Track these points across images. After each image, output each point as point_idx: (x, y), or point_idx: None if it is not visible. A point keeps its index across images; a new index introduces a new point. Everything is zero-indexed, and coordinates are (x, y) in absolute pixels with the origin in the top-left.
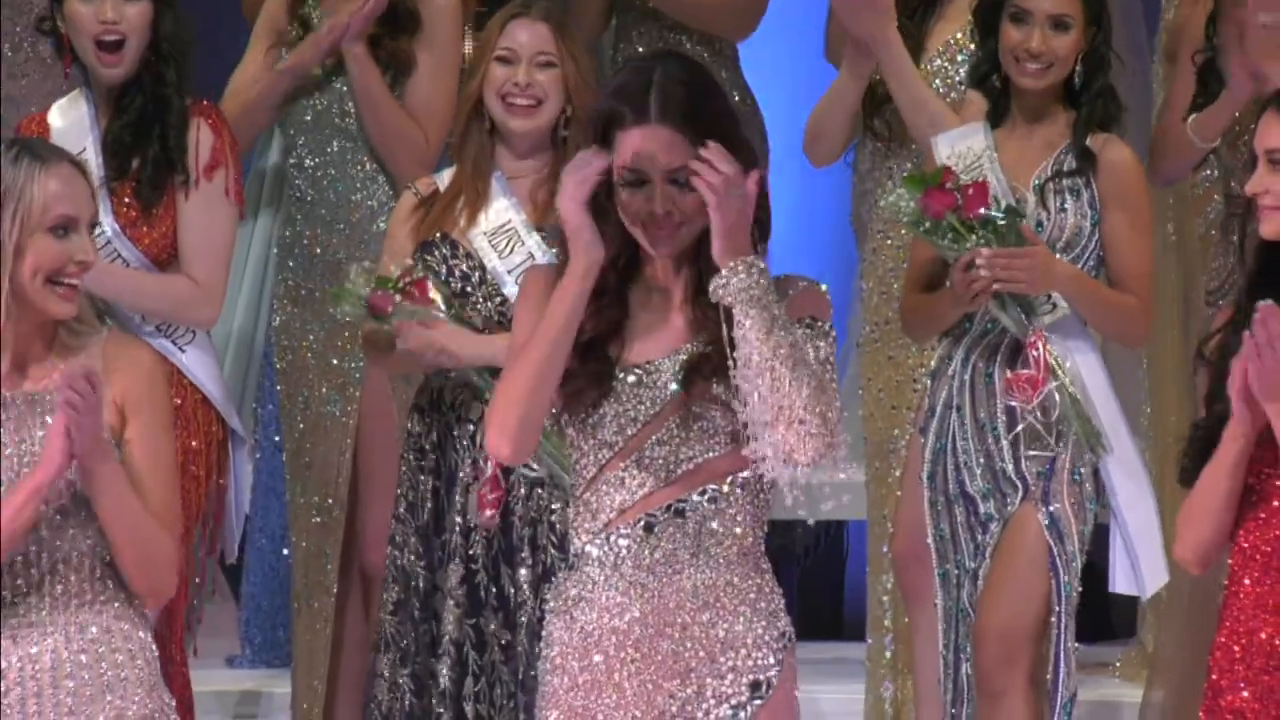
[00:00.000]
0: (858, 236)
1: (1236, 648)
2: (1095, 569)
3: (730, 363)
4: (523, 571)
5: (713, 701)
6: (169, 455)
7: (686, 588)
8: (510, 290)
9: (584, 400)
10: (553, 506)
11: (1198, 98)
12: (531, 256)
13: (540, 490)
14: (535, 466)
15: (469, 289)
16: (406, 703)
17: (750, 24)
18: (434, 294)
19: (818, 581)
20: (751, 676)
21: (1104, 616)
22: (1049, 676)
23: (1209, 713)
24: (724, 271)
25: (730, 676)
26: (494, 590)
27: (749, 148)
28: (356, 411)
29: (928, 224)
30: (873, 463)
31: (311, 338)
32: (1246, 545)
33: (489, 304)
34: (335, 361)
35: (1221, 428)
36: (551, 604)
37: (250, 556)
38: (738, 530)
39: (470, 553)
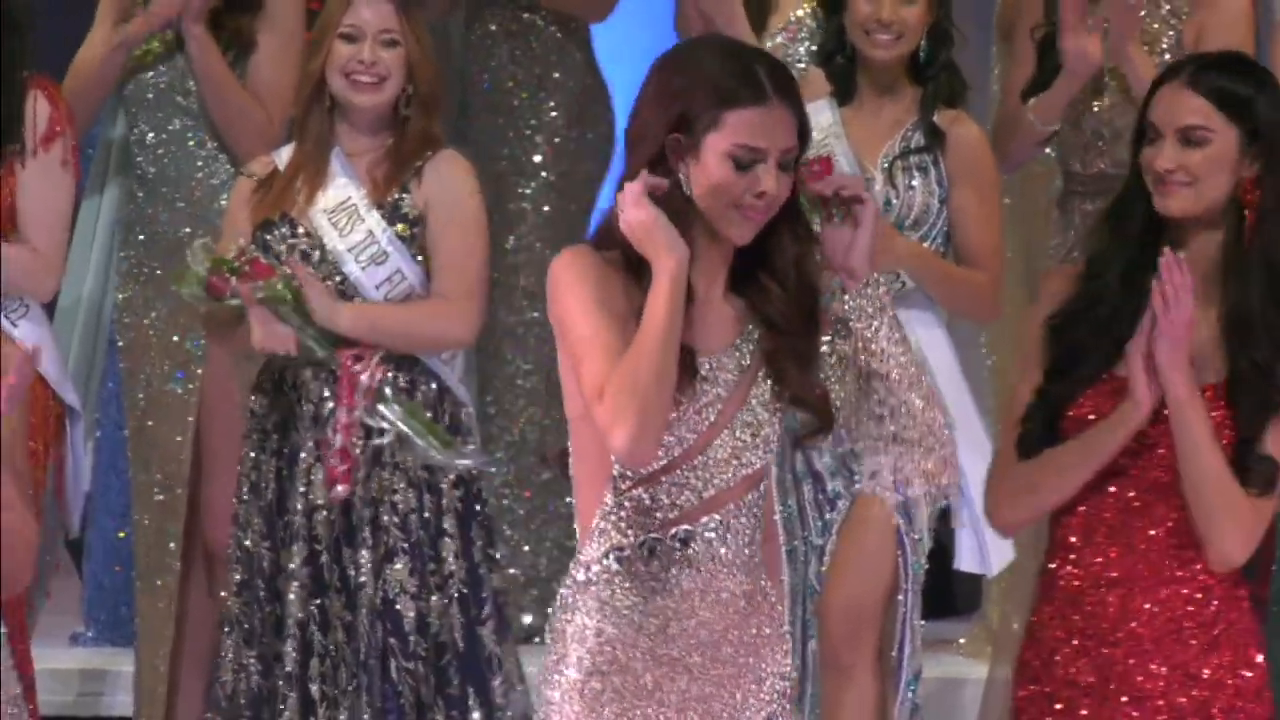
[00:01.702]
0: None
1: (1077, 616)
2: (941, 546)
3: (841, 375)
4: (364, 553)
5: (754, 707)
6: (21, 435)
7: (736, 592)
8: (350, 268)
9: (676, 394)
10: (395, 487)
11: (1036, 75)
12: (371, 234)
13: (383, 471)
14: (386, 428)
15: (309, 267)
16: (252, 683)
17: (608, 6)
18: (277, 278)
19: None
20: (782, 683)
21: (948, 593)
22: (894, 653)
23: (1036, 680)
24: (865, 282)
25: (769, 681)
26: (336, 571)
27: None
28: (198, 390)
29: None
30: None
31: (154, 315)
32: (1085, 510)
33: (329, 283)
34: (177, 339)
35: (1065, 399)
36: (582, 600)
37: (92, 535)
38: (759, 536)
39: (313, 533)
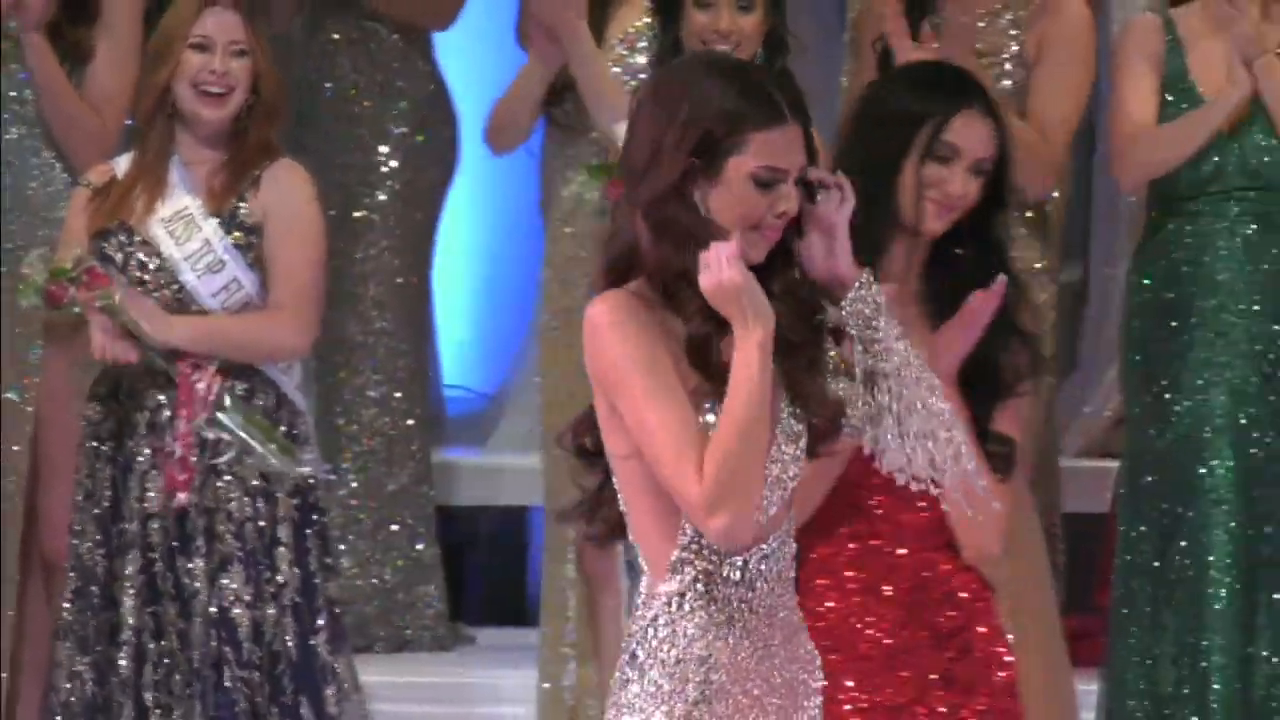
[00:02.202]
0: (545, 224)
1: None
2: None
3: (851, 380)
4: (199, 561)
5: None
6: None
7: (790, 608)
8: (186, 277)
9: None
10: (231, 495)
11: None
12: (208, 243)
13: (219, 480)
14: (227, 437)
15: (146, 277)
16: (87, 691)
17: (451, 15)
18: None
19: (501, 568)
20: (820, 698)
21: None
22: None
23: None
24: (858, 285)
25: (814, 698)
26: (171, 579)
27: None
28: (36, 398)
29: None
30: (552, 450)
31: None
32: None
33: (166, 291)
34: (14, 348)
35: None
36: (669, 630)
37: None
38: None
39: (148, 541)
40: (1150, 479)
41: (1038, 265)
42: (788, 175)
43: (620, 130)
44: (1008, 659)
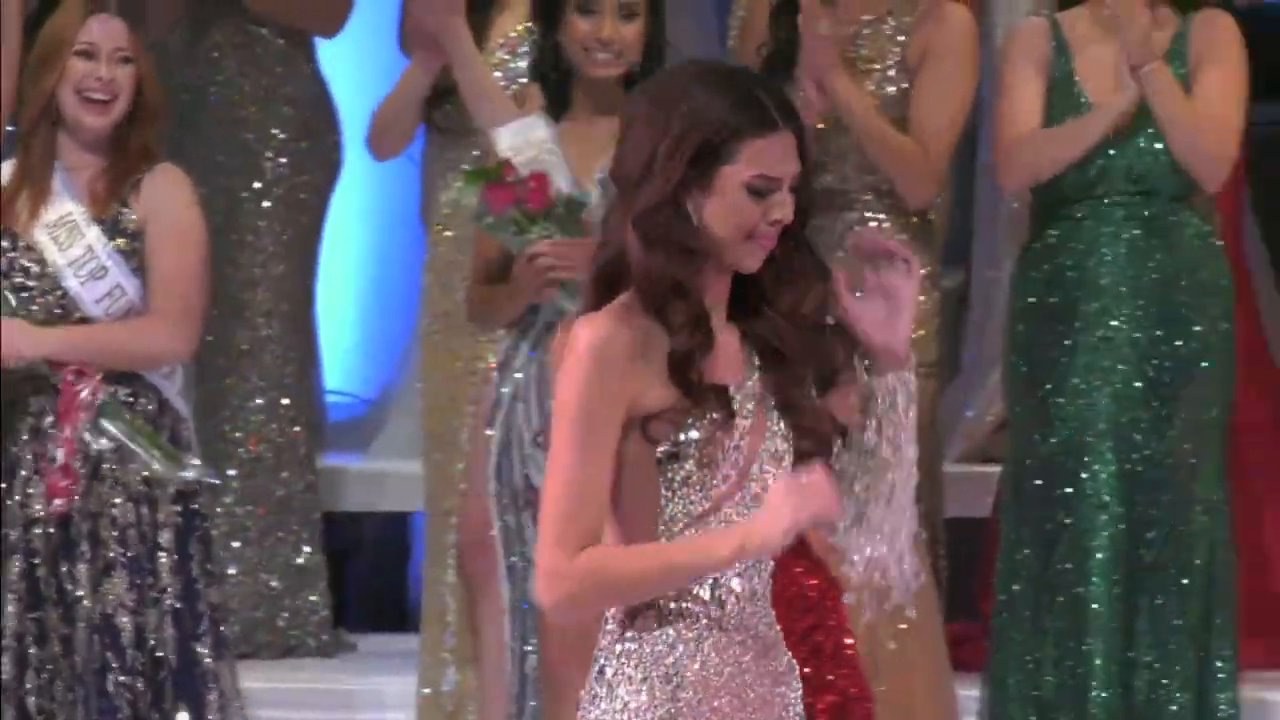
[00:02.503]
0: (426, 229)
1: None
2: None
3: (847, 445)
4: (81, 567)
5: None
6: None
7: (766, 623)
8: (70, 284)
9: (705, 442)
10: (114, 501)
11: None
12: (91, 249)
13: (101, 486)
14: (110, 444)
15: (30, 284)
16: None
17: (339, 20)
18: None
19: (383, 573)
20: (799, 709)
21: None
22: None
23: None
24: (906, 367)
25: (792, 709)
26: (54, 584)
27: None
28: None
29: (490, 219)
30: (432, 455)
31: None
32: None
33: (49, 298)
34: None
35: None
36: (616, 647)
37: None
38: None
39: (30, 547)
40: (1033, 484)
41: (920, 270)
42: (782, 183)
43: (501, 134)
44: (851, 653)
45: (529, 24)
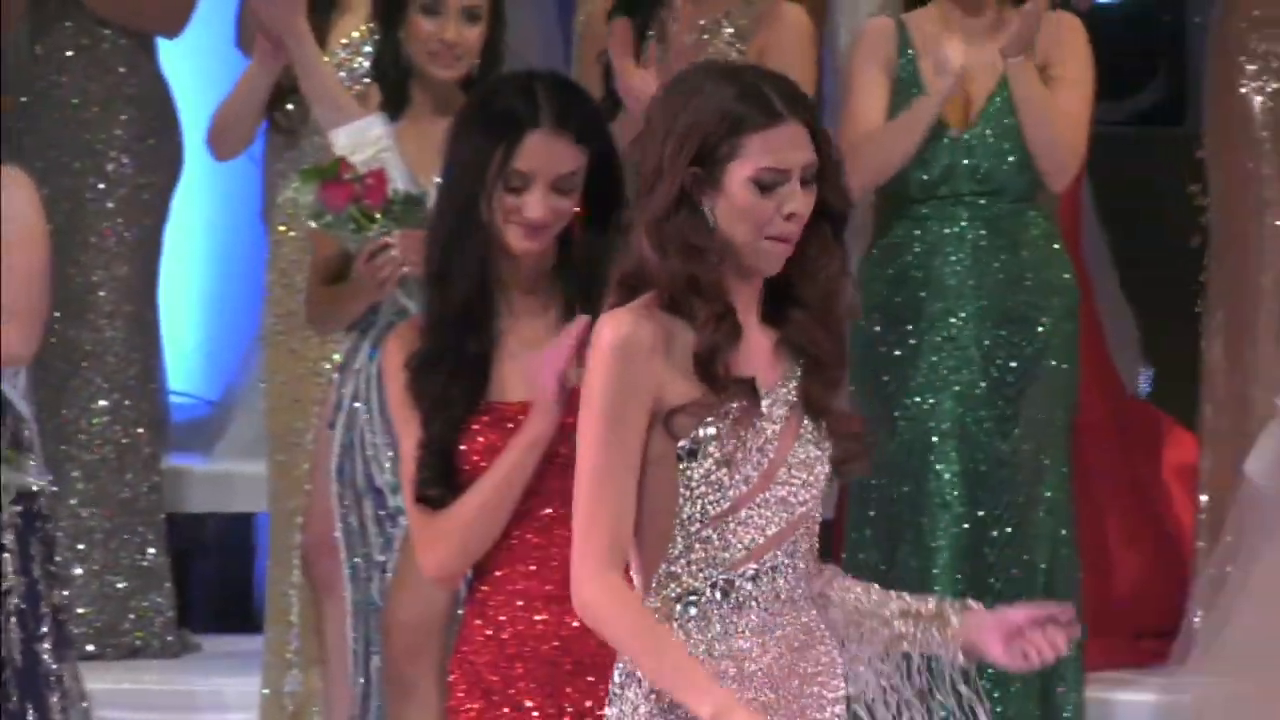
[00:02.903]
0: (268, 230)
1: (506, 636)
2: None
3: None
4: None
5: None
6: None
7: (797, 626)
8: None
9: (726, 439)
10: None
11: (604, 101)
12: None
13: None
14: None
15: None
16: None
17: (181, 21)
18: None
19: (228, 574)
20: (840, 708)
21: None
22: None
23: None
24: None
25: (829, 709)
26: None
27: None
28: None
29: (328, 217)
30: (276, 456)
31: None
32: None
33: None
34: None
35: (451, 439)
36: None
37: None
38: (806, 569)
39: None
40: (877, 483)
41: None
42: (790, 175)
43: (337, 134)
44: None
45: (370, 24)
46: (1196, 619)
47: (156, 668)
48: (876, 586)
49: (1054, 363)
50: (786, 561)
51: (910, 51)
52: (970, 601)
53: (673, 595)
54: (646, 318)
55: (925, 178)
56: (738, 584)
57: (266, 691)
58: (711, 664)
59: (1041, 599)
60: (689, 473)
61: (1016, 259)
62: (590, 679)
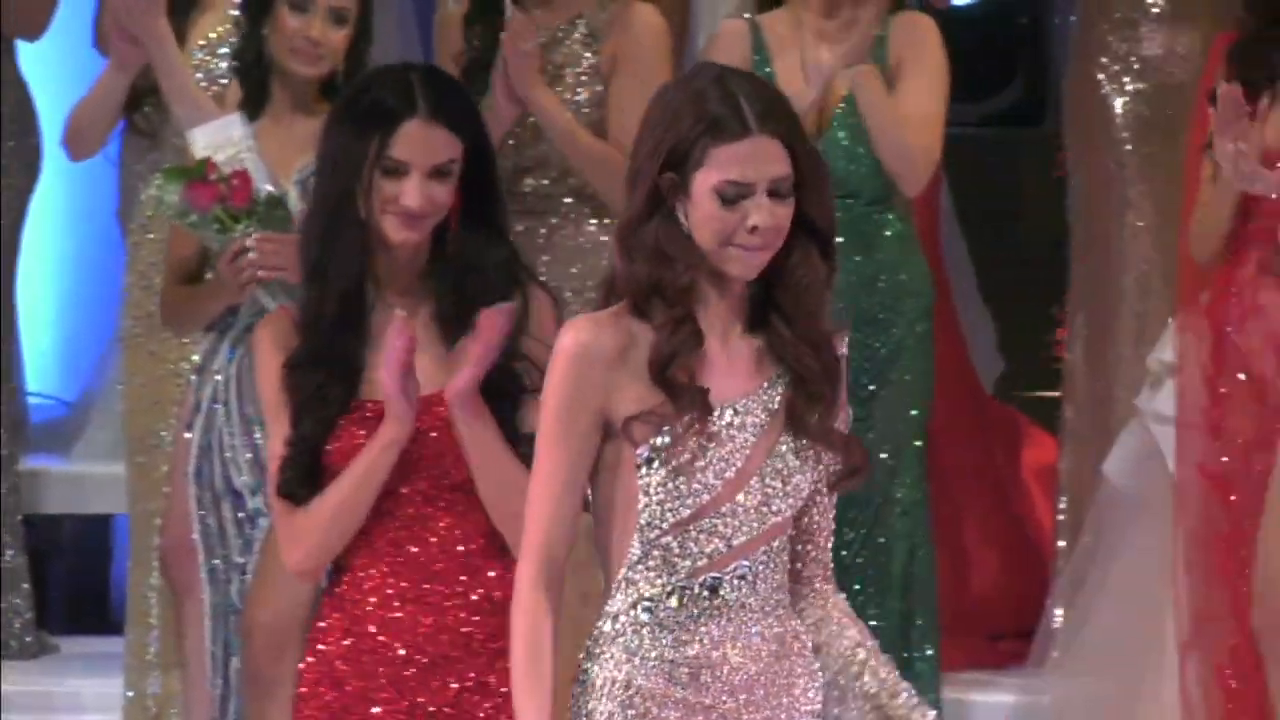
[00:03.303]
0: (124, 231)
1: (373, 628)
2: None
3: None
4: None
5: None
6: None
7: (767, 636)
8: None
9: (680, 446)
10: None
11: None
12: None
13: None
14: None
15: None
16: None
17: (43, 23)
18: None
19: (84, 576)
20: (815, 717)
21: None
22: None
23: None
24: None
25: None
26: None
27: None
28: None
29: (193, 216)
30: (135, 458)
31: None
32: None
33: None
34: None
35: (320, 438)
36: (609, 652)
37: None
38: (786, 579)
39: None
40: None
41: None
42: (754, 188)
43: (196, 134)
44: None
45: (229, 25)
46: (1056, 619)
47: (14, 669)
48: (863, 650)
49: (908, 364)
50: (760, 571)
51: (764, 53)
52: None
53: (630, 600)
54: (606, 324)
55: None
56: (698, 592)
57: (131, 694)
58: (667, 670)
59: (899, 601)
60: (646, 480)
61: (871, 261)
62: (442, 678)
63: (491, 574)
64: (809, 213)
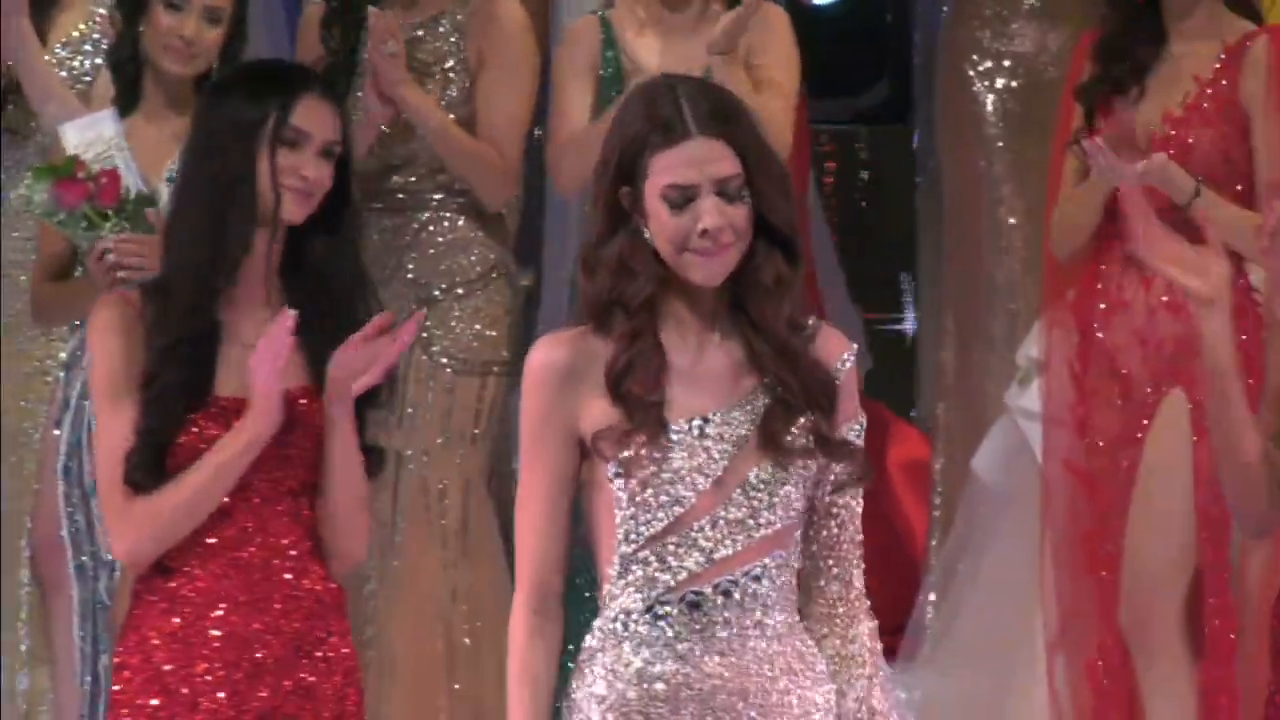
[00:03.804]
0: None
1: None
2: None
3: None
4: None
5: None
6: None
7: (760, 655)
8: None
9: (642, 460)
10: None
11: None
12: None
13: None
14: None
15: None
16: None
17: None
18: None
19: None
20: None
21: None
22: None
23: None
24: None
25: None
26: None
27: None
28: None
29: (62, 215)
30: (8, 457)
31: None
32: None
33: None
34: None
35: (171, 429)
36: (590, 668)
37: None
38: (794, 594)
39: None
40: None
41: (495, 269)
42: (698, 190)
43: (66, 131)
44: (351, 664)
45: (92, 22)
46: (927, 615)
47: None
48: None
49: None
50: (750, 587)
51: (614, 47)
52: None
53: (613, 615)
54: (567, 342)
55: None
56: (679, 608)
57: (3, 690)
58: (645, 686)
59: None
60: (619, 495)
61: None
62: (271, 681)
63: (319, 575)
64: (764, 214)
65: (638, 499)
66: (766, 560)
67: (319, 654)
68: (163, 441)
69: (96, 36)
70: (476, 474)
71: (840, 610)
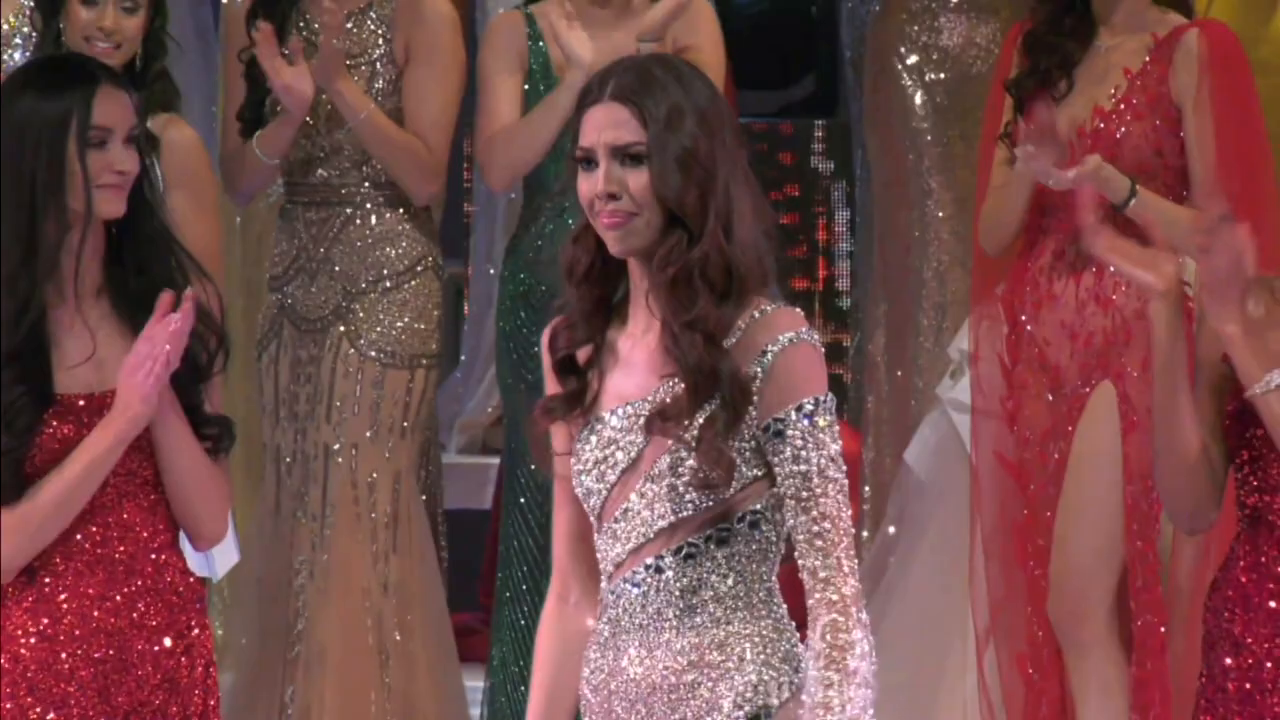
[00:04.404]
0: None
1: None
2: None
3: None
4: None
5: None
6: None
7: (676, 647)
8: None
9: (577, 450)
10: None
11: (249, 94)
12: None
13: None
14: None
15: None
16: None
17: None
18: None
19: None
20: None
21: None
22: None
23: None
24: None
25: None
26: None
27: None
28: None
29: None
30: None
31: None
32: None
33: None
34: None
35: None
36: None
37: None
38: (730, 582)
39: None
40: (528, 471)
41: (421, 262)
42: (595, 153)
43: None
44: (209, 650)
45: (23, 15)
46: None
47: None
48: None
49: None
50: (664, 579)
51: (539, 42)
52: None
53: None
54: (558, 329)
55: (565, 168)
56: (609, 600)
57: None
58: (592, 681)
59: None
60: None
61: None
62: (140, 675)
63: (179, 568)
64: (656, 188)
65: (580, 489)
66: (682, 549)
67: (181, 646)
68: (19, 456)
69: (27, 30)
70: (406, 467)
71: (814, 599)
